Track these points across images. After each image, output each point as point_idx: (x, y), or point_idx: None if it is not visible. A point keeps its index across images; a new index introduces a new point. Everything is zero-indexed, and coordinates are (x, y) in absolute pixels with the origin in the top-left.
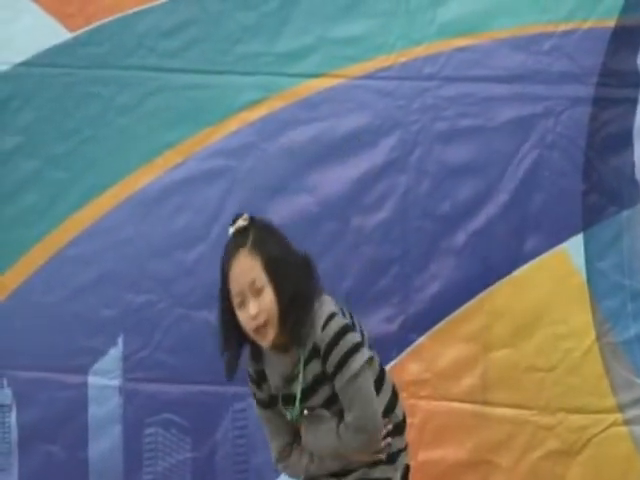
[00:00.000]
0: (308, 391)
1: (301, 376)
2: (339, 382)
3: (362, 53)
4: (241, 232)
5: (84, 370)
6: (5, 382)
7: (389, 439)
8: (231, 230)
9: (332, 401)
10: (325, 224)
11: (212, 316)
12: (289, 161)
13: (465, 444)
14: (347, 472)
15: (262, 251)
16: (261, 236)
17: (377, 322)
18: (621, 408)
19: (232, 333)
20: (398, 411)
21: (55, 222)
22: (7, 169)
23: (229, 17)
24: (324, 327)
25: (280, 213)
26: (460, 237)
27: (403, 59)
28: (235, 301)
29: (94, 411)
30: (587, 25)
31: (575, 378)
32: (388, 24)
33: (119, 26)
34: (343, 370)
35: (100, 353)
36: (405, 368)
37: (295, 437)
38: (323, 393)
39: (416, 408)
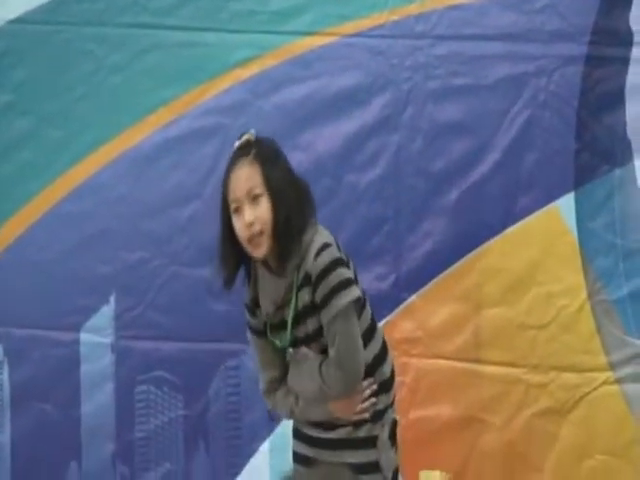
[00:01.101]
0: (297, 319)
1: (293, 301)
2: (325, 316)
3: (355, 11)
4: (245, 146)
5: (76, 327)
6: None
7: (374, 399)
8: (237, 143)
9: (319, 333)
10: (318, 182)
11: (206, 273)
12: (282, 119)
13: (457, 402)
14: (332, 427)
15: (264, 161)
16: (265, 149)
17: (370, 280)
18: (613, 366)
19: (230, 246)
20: (385, 368)
21: (48, 180)
22: (0, 127)
23: None
24: (317, 256)
25: None
26: (452, 195)
27: (395, 17)
28: (231, 207)
29: (86, 369)
30: None
31: (567, 336)
32: None
33: None
34: (330, 303)
35: (93, 311)
36: (397, 326)
37: (285, 373)
38: (311, 324)
39: (408, 366)
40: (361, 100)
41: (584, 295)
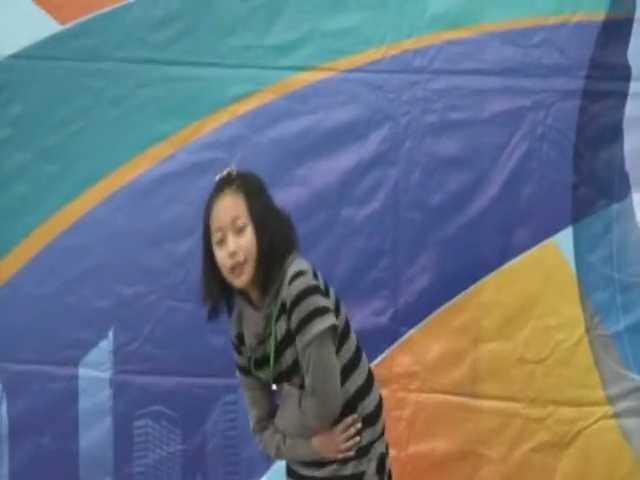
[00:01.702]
0: (278, 351)
1: (273, 333)
2: (300, 342)
3: (352, 46)
4: (228, 177)
5: (75, 362)
6: None
7: (357, 438)
8: (217, 177)
9: (299, 364)
10: (315, 216)
11: (203, 308)
12: (280, 153)
13: (455, 436)
14: (320, 465)
15: (247, 191)
16: (247, 181)
17: (367, 314)
18: (610, 400)
19: (213, 277)
20: (369, 401)
21: (46, 214)
22: None
23: (220, 9)
24: (290, 283)
25: None
26: (450, 229)
27: (393, 52)
28: (215, 237)
29: (84, 403)
30: (576, 18)
31: (565, 370)
32: (378, 17)
33: (109, 18)
34: (304, 330)
35: (91, 345)
36: (395, 361)
37: (273, 412)
38: (290, 355)
39: (406, 401)
40: (359, 134)
41: (582, 329)
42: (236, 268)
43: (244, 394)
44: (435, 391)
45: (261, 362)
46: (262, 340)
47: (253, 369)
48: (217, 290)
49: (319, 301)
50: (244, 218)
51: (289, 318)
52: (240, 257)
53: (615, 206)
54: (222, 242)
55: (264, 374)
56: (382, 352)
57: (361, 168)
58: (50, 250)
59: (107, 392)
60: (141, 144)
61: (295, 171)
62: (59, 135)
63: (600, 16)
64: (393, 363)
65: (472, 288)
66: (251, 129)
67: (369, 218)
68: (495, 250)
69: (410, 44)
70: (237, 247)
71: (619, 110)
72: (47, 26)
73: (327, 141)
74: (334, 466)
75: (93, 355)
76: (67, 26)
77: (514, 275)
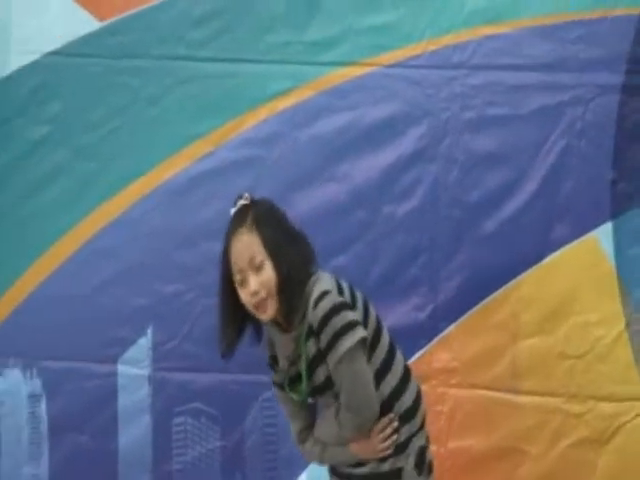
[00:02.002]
0: (310, 371)
1: (304, 355)
2: (331, 361)
3: (391, 41)
4: (241, 211)
5: (114, 360)
6: (35, 372)
7: (394, 436)
8: (232, 210)
9: (331, 381)
10: (354, 213)
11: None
12: (319, 150)
13: (494, 432)
14: (361, 463)
15: (261, 228)
16: (260, 214)
17: (406, 311)
18: None
19: (233, 313)
20: (405, 398)
21: (83, 213)
22: (35, 159)
23: (258, 6)
24: (315, 306)
25: (310, 202)
26: (489, 225)
27: (432, 47)
28: (236, 279)
29: (123, 400)
30: (614, 13)
31: (605, 366)
32: (417, 12)
33: (147, 15)
34: (334, 348)
35: (129, 342)
36: (434, 357)
37: (311, 422)
38: (322, 373)
39: (445, 396)
40: (398, 131)
41: (622, 325)
42: (260, 306)
43: (283, 409)
44: (474, 387)
45: (295, 382)
46: (293, 361)
47: (287, 389)
48: (235, 329)
49: (346, 317)
50: (261, 255)
51: (318, 339)
52: (262, 294)
53: None
54: (243, 282)
55: (297, 394)
56: (421, 348)
57: (400, 165)
58: (89, 248)
59: (146, 389)
60: (179, 142)
61: (334, 168)
62: (97, 133)
63: (638, 10)
64: (432, 359)
65: (511, 284)
66: (290, 126)
67: (408, 215)
68: (534, 246)
69: (449, 39)
70: (258, 286)
71: None
72: (85, 23)
73: (366, 137)
74: (372, 464)
75: (132, 352)
76: (105, 23)
77: (553, 271)
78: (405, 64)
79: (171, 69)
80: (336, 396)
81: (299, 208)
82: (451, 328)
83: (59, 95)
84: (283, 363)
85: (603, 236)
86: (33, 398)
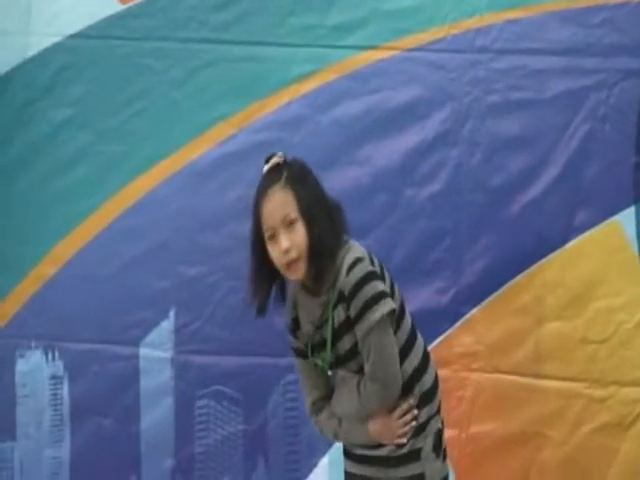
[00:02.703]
0: (335, 337)
1: (330, 320)
2: (360, 330)
3: (414, 25)
4: (275, 169)
5: (136, 342)
6: (57, 354)
7: (414, 423)
8: (265, 168)
9: (356, 350)
10: (377, 196)
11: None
12: (341, 133)
13: (517, 417)
14: (377, 445)
15: (295, 186)
16: (295, 173)
17: (429, 294)
18: None
19: (263, 272)
20: (426, 379)
21: (107, 194)
22: (59, 142)
23: None
24: (348, 272)
25: (332, 185)
26: (512, 210)
27: (455, 31)
28: (266, 235)
29: (146, 383)
30: None
31: (628, 351)
32: None
33: None
34: (364, 317)
35: (152, 325)
36: (457, 340)
37: (329, 395)
38: (348, 341)
39: (468, 381)
40: (420, 114)
41: None
42: (290, 265)
43: (300, 378)
44: (497, 371)
45: (319, 348)
46: (319, 326)
47: (310, 354)
48: (267, 285)
49: (377, 287)
50: (294, 213)
51: (348, 306)
52: (293, 254)
53: None
54: (274, 238)
55: (321, 359)
56: (444, 332)
57: (423, 148)
58: (111, 230)
59: (168, 372)
60: (202, 125)
61: (357, 151)
62: (120, 116)
63: None
64: (455, 343)
65: (534, 268)
66: (312, 109)
67: (431, 199)
68: (557, 230)
69: (472, 23)
70: (289, 244)
71: None
72: (108, 6)
73: (389, 121)
74: (391, 446)
75: (154, 335)
76: (128, 5)
77: (576, 255)
78: (427, 48)
79: (194, 52)
80: (359, 368)
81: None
82: (474, 312)
83: (82, 77)
84: (307, 328)
85: (626, 220)
86: (55, 380)
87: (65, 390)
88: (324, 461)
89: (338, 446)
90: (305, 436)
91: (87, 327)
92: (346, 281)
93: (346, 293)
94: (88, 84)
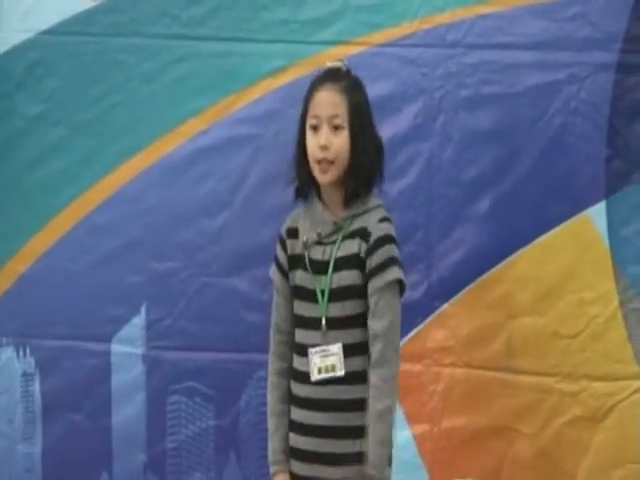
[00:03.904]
0: (339, 263)
1: (337, 244)
2: (379, 280)
3: (385, 20)
4: (337, 72)
5: (107, 338)
6: (28, 350)
7: None
8: (328, 64)
9: (350, 292)
10: None
11: (237, 283)
12: None
13: (489, 411)
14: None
15: (352, 97)
16: (356, 89)
17: None
18: None
19: (305, 159)
20: None
21: (80, 190)
22: (32, 136)
23: None
24: (381, 221)
25: None
26: (484, 203)
27: (426, 26)
28: (309, 123)
29: (117, 379)
30: None
31: (599, 345)
32: None
33: None
34: (386, 271)
35: (123, 321)
36: (429, 335)
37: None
38: (347, 276)
39: (440, 375)
40: (392, 109)
41: (616, 303)
42: (323, 163)
43: (273, 304)
44: (469, 366)
45: (316, 266)
46: (321, 242)
47: (310, 269)
48: (305, 173)
49: (398, 253)
50: (343, 120)
51: (371, 251)
52: (329, 155)
53: None
54: (316, 129)
55: (319, 282)
56: (416, 326)
57: (395, 143)
58: (84, 226)
59: (140, 368)
60: (175, 120)
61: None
62: (93, 111)
63: None
64: (427, 338)
65: (505, 262)
66: (286, 104)
67: (403, 192)
68: (528, 225)
69: (443, 18)
70: (329, 143)
71: None
72: (80, 1)
73: None
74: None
75: (126, 331)
76: (100, 1)
77: (548, 249)
78: (399, 43)
79: (167, 47)
80: (349, 318)
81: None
82: (446, 306)
83: (55, 73)
84: (309, 236)
85: (597, 215)
86: (26, 377)
87: (37, 386)
88: None
89: None
90: None
91: (58, 323)
92: (377, 226)
93: (373, 236)
94: (61, 79)
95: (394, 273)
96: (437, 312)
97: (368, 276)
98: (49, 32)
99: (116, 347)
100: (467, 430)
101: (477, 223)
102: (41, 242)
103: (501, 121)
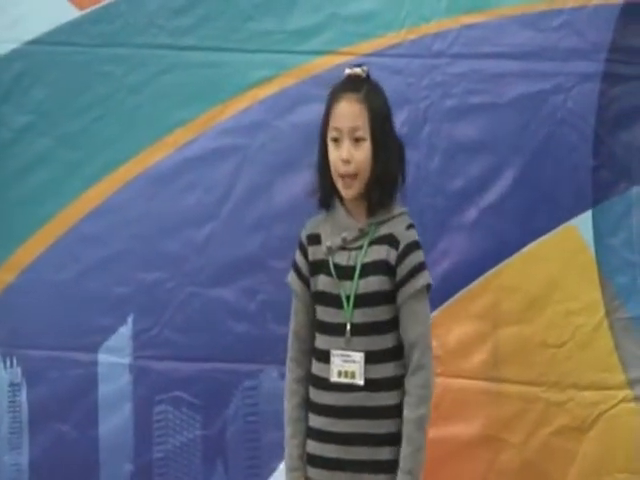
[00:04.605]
0: (366, 268)
1: (364, 249)
2: (409, 288)
3: (371, 30)
4: (356, 78)
5: (94, 348)
6: (15, 361)
7: None
8: (347, 71)
9: (376, 299)
10: None
11: (223, 293)
12: (300, 138)
13: (476, 421)
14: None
15: (373, 108)
16: (376, 96)
17: None
18: (631, 384)
19: (326, 169)
20: None
21: (66, 200)
22: (19, 147)
23: None
24: (408, 228)
25: (291, 190)
26: (471, 213)
27: (412, 36)
28: (330, 135)
29: (104, 389)
30: (596, 1)
31: (586, 354)
32: (398, 0)
33: (129, 4)
34: (416, 277)
35: (110, 331)
36: None
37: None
38: (373, 283)
39: None
40: None
41: (602, 312)
42: (346, 178)
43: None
44: (457, 375)
45: (342, 273)
46: (345, 247)
47: (335, 275)
48: (328, 183)
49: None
50: (364, 132)
51: (400, 258)
52: (351, 169)
53: (635, 189)
54: (337, 142)
55: (344, 288)
56: None
57: None
58: (70, 236)
59: (127, 378)
60: (161, 130)
61: (316, 156)
62: (80, 121)
63: None
64: None
65: (492, 272)
66: (272, 114)
67: None
68: (515, 235)
69: (429, 28)
70: (351, 157)
71: (639, 93)
72: (66, 12)
73: None
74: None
75: (113, 341)
76: (86, 12)
77: (534, 259)
78: (385, 53)
79: (153, 57)
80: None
81: (281, 195)
82: (434, 316)
83: (41, 83)
84: (334, 240)
85: (583, 224)
86: (13, 387)
87: (23, 397)
88: (283, 466)
89: None
90: (264, 442)
91: (45, 333)
92: (405, 233)
93: (402, 243)
94: (47, 90)
95: (424, 278)
96: None
97: (399, 283)
98: (35, 42)
99: (103, 357)
100: (454, 440)
101: (463, 233)
102: (28, 252)
103: (487, 131)
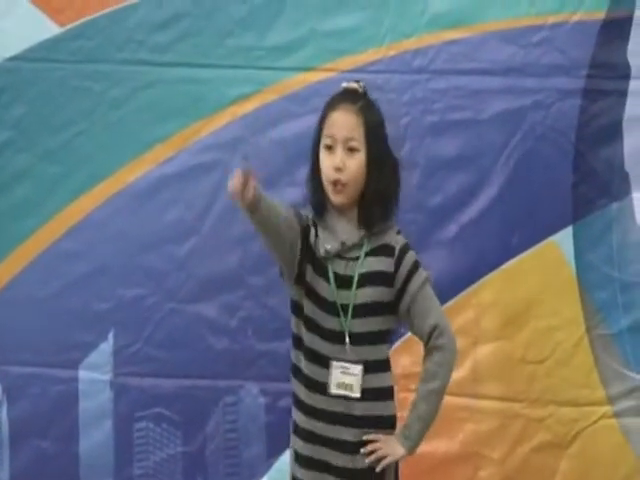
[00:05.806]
0: (362, 279)
1: (361, 259)
2: (413, 286)
3: (352, 46)
4: (353, 92)
5: (75, 365)
6: None
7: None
8: (344, 84)
9: (374, 310)
10: None
11: (203, 309)
12: (280, 155)
13: (456, 437)
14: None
15: (369, 119)
16: (372, 110)
17: None
18: (611, 400)
19: (318, 177)
20: None
21: (47, 216)
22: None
23: (220, 10)
24: (398, 233)
25: None
26: (451, 230)
27: (393, 52)
28: (324, 142)
29: (85, 405)
30: (576, 17)
31: (565, 370)
32: (378, 17)
33: (109, 20)
34: (416, 274)
35: (91, 347)
36: (396, 361)
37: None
38: (374, 293)
39: (407, 401)
40: None
41: (582, 329)
42: (337, 185)
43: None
44: None
45: (340, 281)
46: (341, 255)
47: (334, 285)
48: (320, 190)
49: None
50: (359, 143)
51: (398, 263)
52: (343, 177)
53: (615, 205)
54: (330, 150)
55: (343, 297)
56: None
57: None
58: (51, 252)
59: (107, 394)
60: (141, 146)
61: (296, 172)
62: (60, 137)
63: (600, 15)
64: (394, 363)
65: (471, 288)
66: (252, 130)
67: None
68: (495, 251)
69: (410, 44)
70: (343, 165)
71: (619, 109)
72: (46, 28)
73: None
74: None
75: (93, 357)
76: (66, 28)
77: (514, 276)
78: (365, 69)
79: (133, 74)
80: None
81: None
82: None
83: (22, 100)
84: (333, 245)
85: (564, 240)
86: None
87: (4, 413)
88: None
89: (277, 467)
90: (244, 458)
91: (26, 350)
92: (396, 238)
93: (397, 249)
94: (27, 106)
95: (422, 273)
96: (403, 338)
97: (402, 284)
98: (15, 59)
99: (83, 374)
100: (434, 456)
101: (443, 250)
102: (8, 269)
103: (467, 147)
